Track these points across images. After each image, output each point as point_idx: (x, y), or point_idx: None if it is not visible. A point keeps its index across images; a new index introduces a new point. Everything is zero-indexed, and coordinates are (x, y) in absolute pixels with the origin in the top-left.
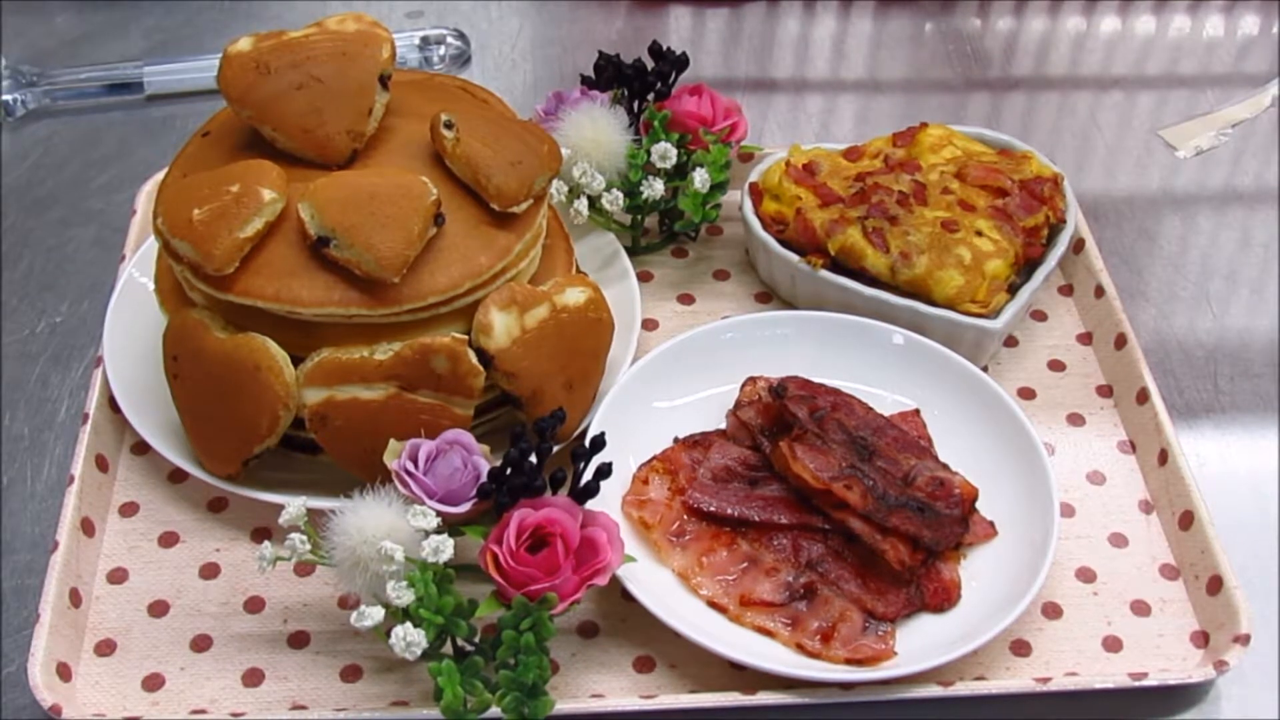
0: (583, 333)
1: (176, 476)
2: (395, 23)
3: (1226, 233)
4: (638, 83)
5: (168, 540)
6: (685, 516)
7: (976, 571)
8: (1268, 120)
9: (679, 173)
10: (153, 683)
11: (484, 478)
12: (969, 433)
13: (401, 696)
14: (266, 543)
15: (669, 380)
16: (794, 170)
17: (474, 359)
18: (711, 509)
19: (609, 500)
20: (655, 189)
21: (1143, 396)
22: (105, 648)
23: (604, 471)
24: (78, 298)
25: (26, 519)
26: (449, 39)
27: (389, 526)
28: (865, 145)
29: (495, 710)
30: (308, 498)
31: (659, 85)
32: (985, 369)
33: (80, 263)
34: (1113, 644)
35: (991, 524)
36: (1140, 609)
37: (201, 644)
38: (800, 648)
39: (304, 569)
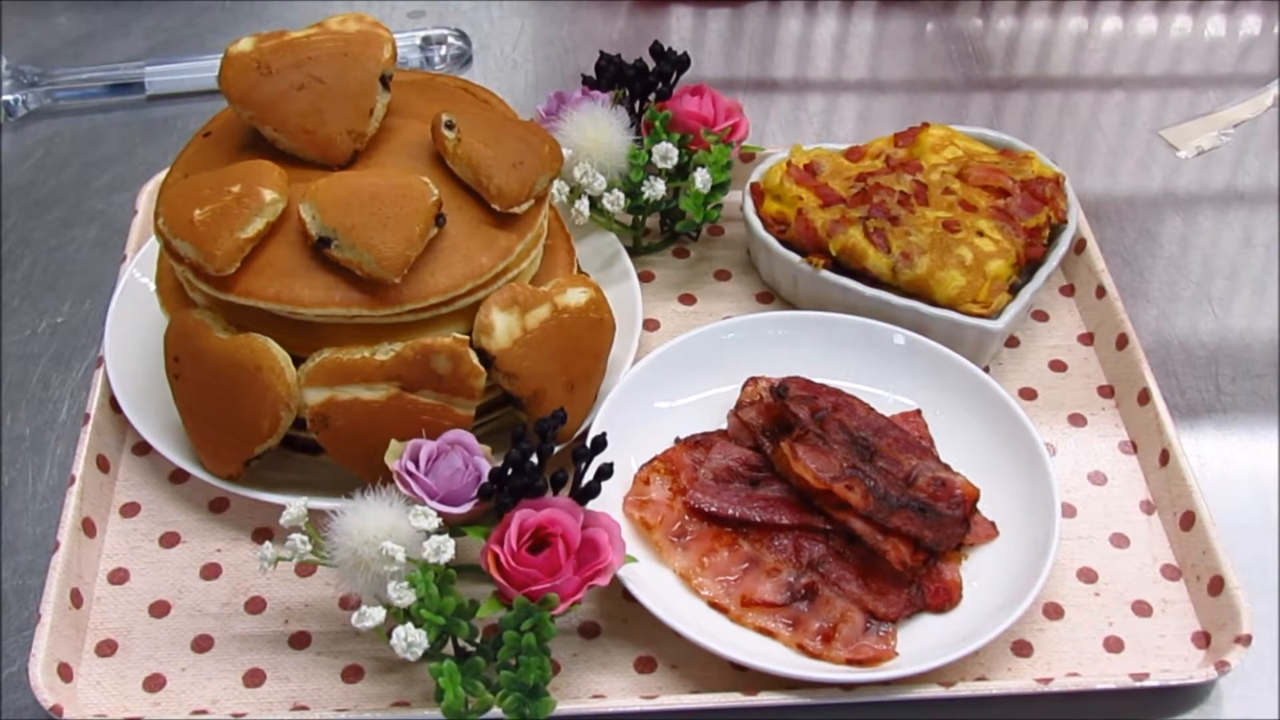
0: (584, 333)
1: (178, 477)
2: (397, 23)
3: (1228, 233)
4: (639, 83)
5: (169, 541)
6: (686, 517)
7: (978, 572)
8: (1269, 120)
9: (680, 173)
10: (154, 683)
11: (485, 478)
12: (970, 433)
13: (403, 697)
14: (268, 543)
15: (670, 381)
16: (795, 170)
17: (475, 359)
18: (713, 509)
19: (610, 501)
20: (656, 189)
21: (1144, 397)
22: (106, 648)
23: (605, 472)
24: (79, 298)
25: (28, 519)
26: (450, 39)
27: (390, 527)
28: (866, 145)
29: (496, 711)
30: (309, 498)
31: (660, 85)
32: (986, 369)
33: (81, 263)
34: (1114, 644)
35: (993, 524)
36: (1142, 609)
37: (203, 644)
38: (801, 648)
39: (305, 569)
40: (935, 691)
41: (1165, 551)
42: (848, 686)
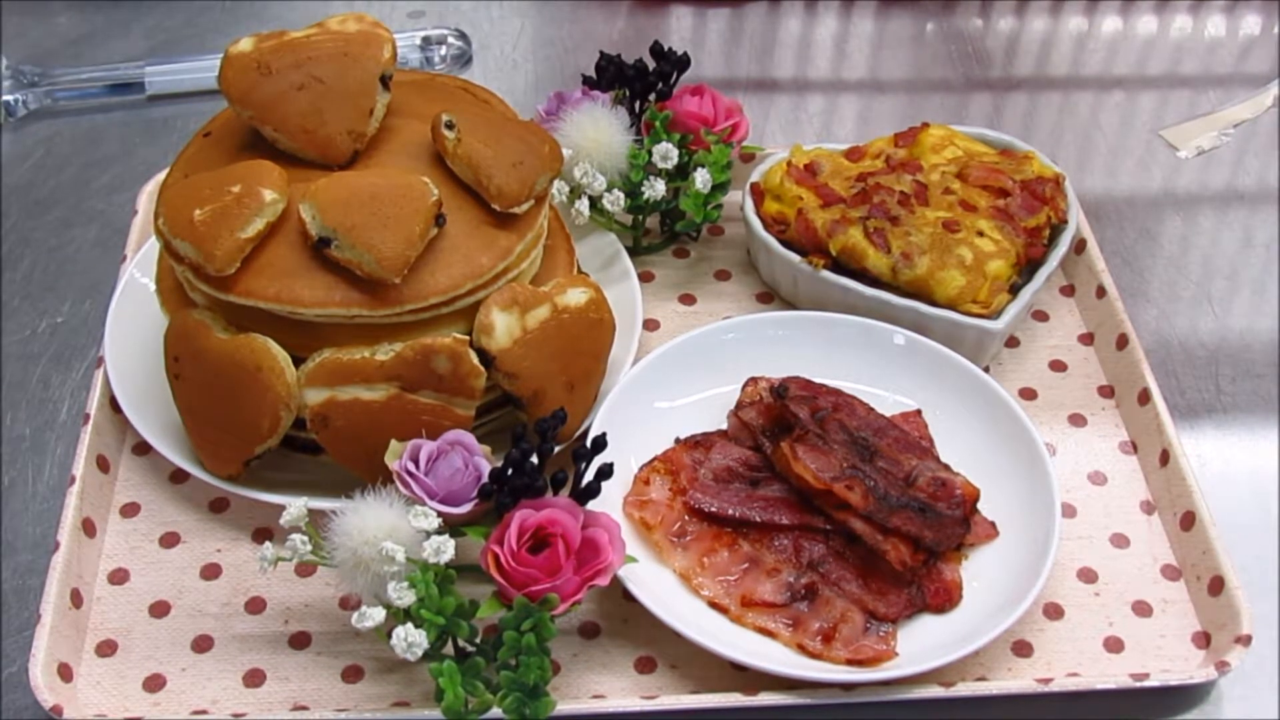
0: (584, 333)
1: (178, 477)
2: (397, 23)
3: (1228, 233)
4: (639, 83)
5: (169, 541)
6: (686, 517)
7: (978, 572)
8: (1269, 120)
9: (680, 173)
10: (154, 683)
11: (485, 478)
12: (970, 433)
13: (403, 697)
14: (268, 543)
15: (670, 381)
16: (795, 170)
17: (475, 359)
18: (713, 509)
19: (610, 501)
20: (657, 189)
21: (1144, 397)
22: (106, 648)
23: (605, 472)
24: (79, 298)
25: (28, 519)
26: (450, 39)
27: (390, 527)
28: (867, 145)
29: (497, 711)
30: (309, 498)
31: (660, 85)
32: (987, 369)
33: (81, 263)
34: (1114, 644)
35: (993, 524)
36: (1142, 609)
37: (203, 644)
38: (801, 648)
39: (305, 569)
40: (935, 691)
41: (1165, 551)
42: (848, 686)
